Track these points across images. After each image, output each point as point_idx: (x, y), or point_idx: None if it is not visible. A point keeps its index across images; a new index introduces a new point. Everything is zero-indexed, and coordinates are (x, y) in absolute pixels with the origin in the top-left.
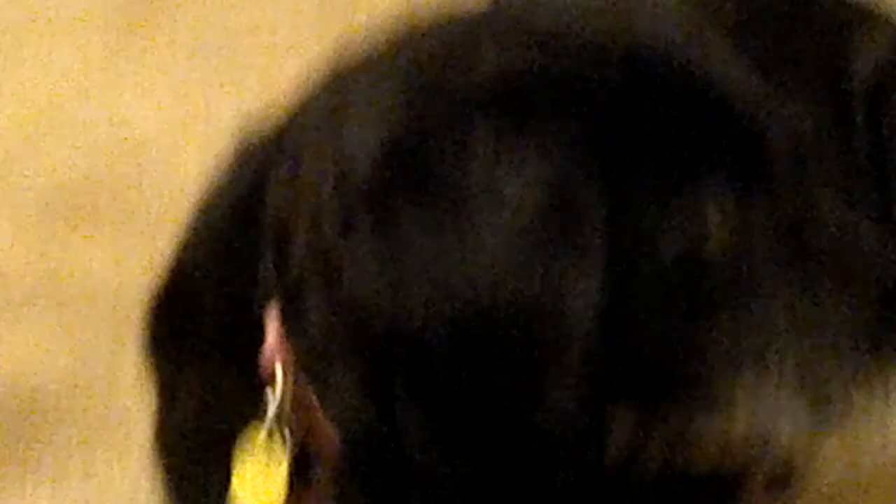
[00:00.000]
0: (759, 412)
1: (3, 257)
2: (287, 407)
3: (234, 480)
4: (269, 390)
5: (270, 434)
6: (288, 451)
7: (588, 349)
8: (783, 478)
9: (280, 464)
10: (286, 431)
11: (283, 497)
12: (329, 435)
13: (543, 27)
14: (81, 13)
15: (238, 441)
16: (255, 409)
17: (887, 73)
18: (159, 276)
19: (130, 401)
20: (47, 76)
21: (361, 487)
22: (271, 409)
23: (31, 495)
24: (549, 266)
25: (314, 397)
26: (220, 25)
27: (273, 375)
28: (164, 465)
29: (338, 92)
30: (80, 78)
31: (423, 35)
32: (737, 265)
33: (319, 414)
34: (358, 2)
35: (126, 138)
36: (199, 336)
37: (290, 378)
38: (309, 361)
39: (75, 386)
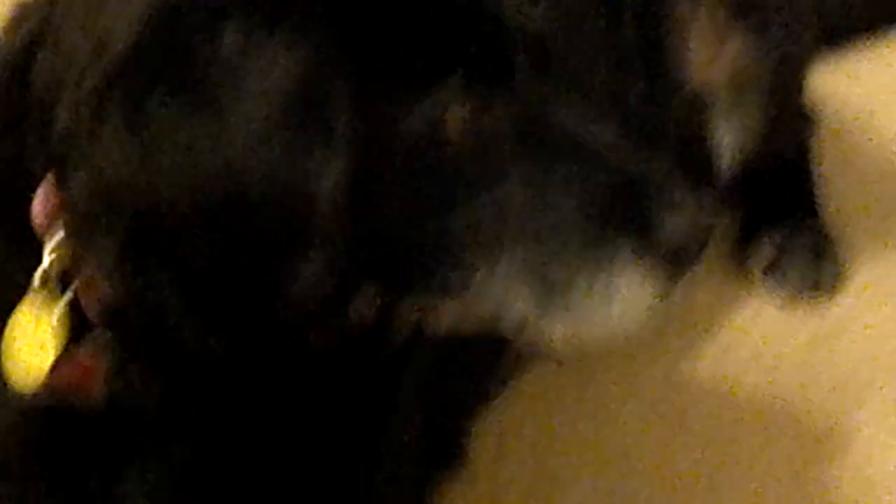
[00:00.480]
0: (491, 298)
1: None
2: (57, 266)
3: (5, 341)
4: (45, 246)
5: (40, 293)
6: (59, 309)
7: (335, 226)
8: None
9: (52, 326)
10: (56, 290)
11: (50, 355)
12: (103, 297)
13: None
14: None
15: (17, 306)
16: (19, 279)
17: None
18: None
19: None
20: None
21: (129, 353)
22: (44, 263)
23: None
24: (296, 150)
25: (87, 258)
26: None
27: (45, 234)
28: None
29: None
30: None
31: None
32: (473, 152)
33: (93, 274)
34: None
35: None
36: None
37: (63, 239)
38: (77, 226)
39: None
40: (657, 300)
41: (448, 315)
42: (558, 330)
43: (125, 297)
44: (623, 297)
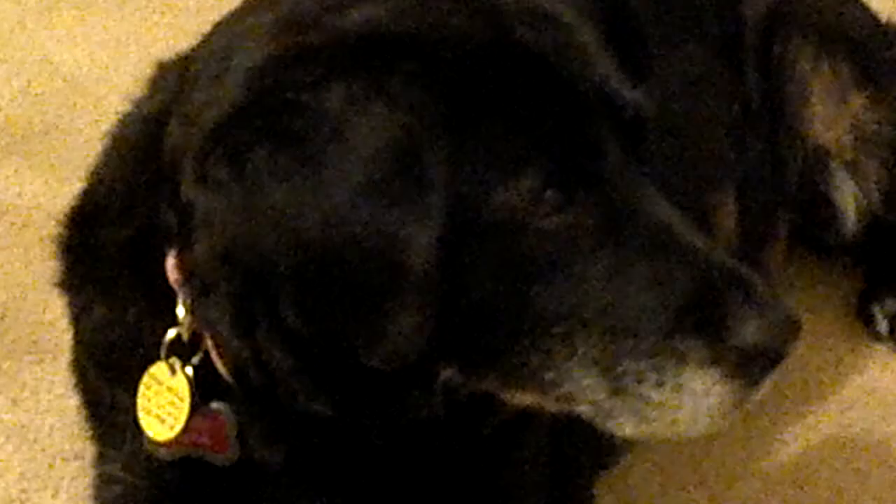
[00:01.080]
0: (568, 383)
1: None
2: (187, 332)
3: (140, 404)
4: (178, 315)
5: (170, 361)
6: (187, 376)
7: (426, 287)
8: None
9: (181, 388)
10: (185, 359)
11: (183, 420)
12: (224, 366)
13: None
14: None
15: (147, 371)
16: (155, 337)
17: (772, 19)
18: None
19: (59, 327)
20: None
21: (256, 411)
22: (170, 334)
23: None
24: (392, 209)
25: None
26: None
27: (179, 291)
28: (80, 388)
29: (230, 35)
30: (14, 20)
31: None
32: (557, 237)
33: (215, 342)
34: None
35: (58, 79)
36: (103, 265)
37: (194, 306)
38: (198, 287)
39: (4, 312)
40: (730, 406)
41: (527, 396)
42: (628, 422)
43: (245, 358)
44: (693, 400)
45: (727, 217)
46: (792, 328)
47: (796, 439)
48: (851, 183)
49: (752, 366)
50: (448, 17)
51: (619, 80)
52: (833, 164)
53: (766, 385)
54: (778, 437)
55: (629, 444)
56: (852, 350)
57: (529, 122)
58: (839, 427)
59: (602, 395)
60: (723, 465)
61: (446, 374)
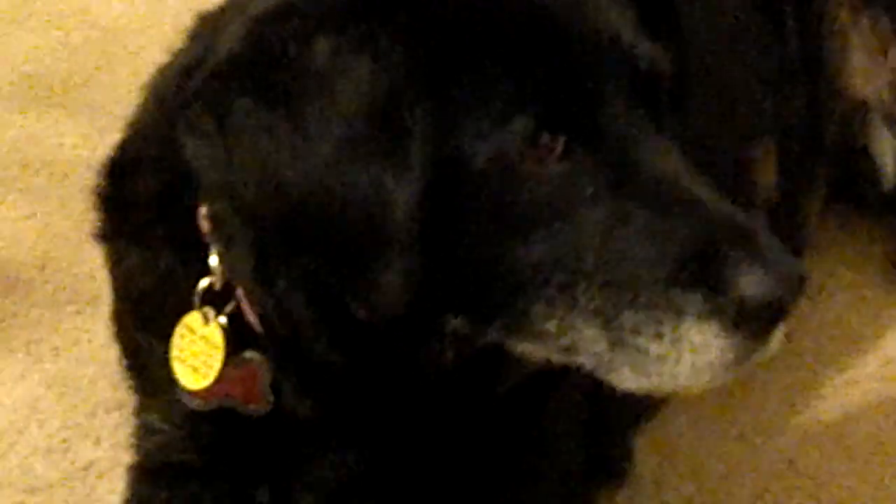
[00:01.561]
0: (569, 334)
1: None
2: (220, 282)
3: (173, 355)
4: (210, 265)
5: (204, 311)
6: (221, 326)
7: (411, 239)
8: None
9: (215, 338)
10: (219, 309)
11: (216, 369)
12: (255, 313)
13: None
14: None
15: (181, 320)
16: (190, 287)
17: None
18: (108, 154)
19: (99, 278)
20: None
21: (284, 364)
22: (202, 283)
23: (1, 372)
24: (372, 169)
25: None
26: None
27: (211, 242)
28: (119, 337)
29: None
30: None
31: None
32: (551, 187)
33: (245, 292)
34: None
35: (96, 30)
36: (138, 215)
37: (222, 256)
38: (221, 237)
39: (45, 263)
40: (733, 360)
41: (531, 347)
42: (629, 375)
43: (269, 307)
44: (692, 353)
45: (767, 170)
46: (796, 281)
47: (836, 393)
48: (891, 136)
49: (754, 319)
50: None
51: (632, 32)
52: (872, 118)
53: (776, 340)
54: (817, 391)
55: (666, 398)
56: (892, 303)
57: (524, 68)
58: (879, 381)
59: (602, 347)
60: (761, 418)
61: (453, 323)
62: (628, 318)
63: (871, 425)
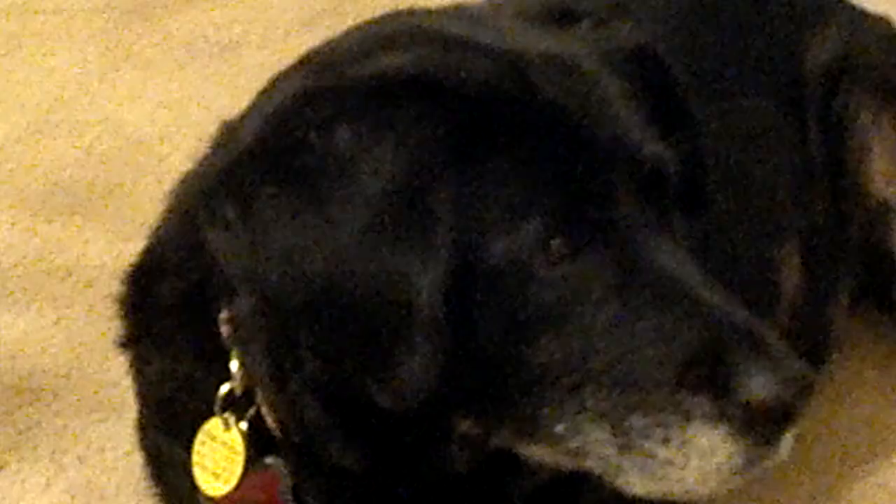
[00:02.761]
0: (576, 438)
1: (4, 247)
2: (241, 387)
3: (195, 461)
4: (231, 369)
5: (225, 417)
6: (242, 431)
7: (433, 327)
8: None
9: (236, 444)
10: (240, 414)
11: (237, 476)
12: (275, 418)
13: (434, 36)
14: (79, 21)
15: (202, 427)
16: (211, 392)
17: (835, 72)
18: (132, 262)
19: (124, 385)
20: (47, 79)
21: (304, 468)
22: (223, 388)
23: (26, 481)
24: (396, 254)
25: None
26: (208, 38)
27: (231, 346)
28: (142, 445)
29: (264, 91)
30: (77, 82)
31: (355, 31)
32: (564, 286)
33: (265, 396)
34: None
35: (121, 139)
36: (161, 321)
37: (242, 360)
38: (239, 337)
39: (70, 371)
40: (741, 464)
41: (541, 450)
42: (637, 479)
43: (284, 412)
44: (700, 458)
45: (792, 272)
46: (802, 384)
47: (863, 497)
48: None
49: (761, 423)
50: (468, 63)
51: (640, 132)
52: (893, 218)
53: (786, 445)
54: (845, 495)
55: None
56: None
57: (538, 168)
58: None
59: (611, 451)
60: None
61: (463, 426)
62: (636, 421)
63: None
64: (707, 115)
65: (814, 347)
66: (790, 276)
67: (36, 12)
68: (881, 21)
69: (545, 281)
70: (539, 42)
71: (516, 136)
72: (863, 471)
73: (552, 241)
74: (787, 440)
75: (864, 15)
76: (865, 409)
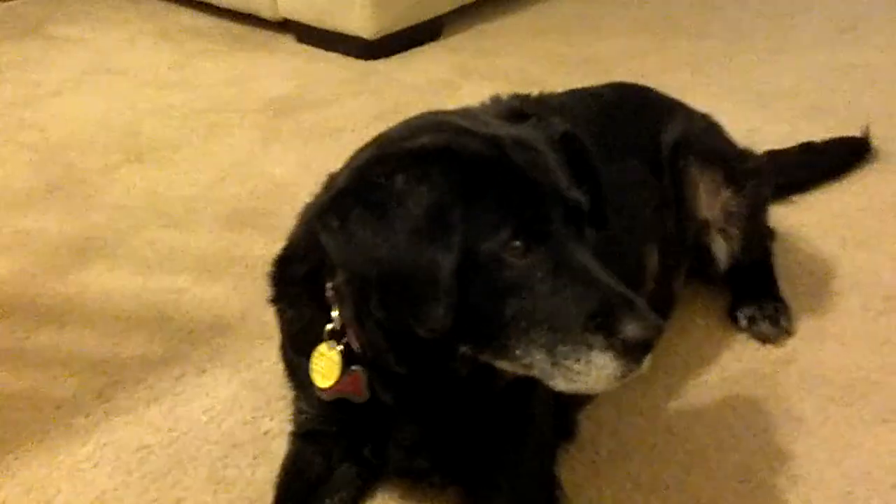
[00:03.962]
0: (527, 357)
1: (206, 245)
2: (338, 326)
3: (312, 368)
4: (333, 316)
5: (330, 343)
6: (339, 351)
7: (450, 291)
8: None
9: (335, 358)
10: (338, 341)
11: (336, 375)
12: (358, 343)
13: (451, 126)
14: (249, 116)
15: (316, 348)
16: (322, 329)
17: (678, 146)
18: (276, 254)
19: (272, 325)
20: (231, 149)
21: (374, 372)
22: (328, 327)
23: (217, 378)
24: (429, 250)
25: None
26: (322, 126)
27: (333, 304)
28: (285, 361)
29: (353, 156)
30: (247, 151)
31: (404, 123)
32: (522, 270)
33: (352, 331)
34: (398, 115)
35: (272, 184)
36: (293, 288)
37: (339, 311)
38: (339, 299)
39: (243, 316)
40: (620, 375)
41: (508, 364)
42: (561, 381)
43: (363, 341)
44: (597, 370)
45: (652, 260)
46: (657, 329)
47: (696, 389)
48: (722, 241)
49: (632, 351)
50: (468, 141)
51: (567, 185)
52: (712, 231)
53: (646, 363)
54: (683, 388)
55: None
56: (729, 338)
57: (509, 202)
58: (719, 384)
59: (546, 365)
60: (650, 402)
61: (463, 349)
62: (561, 348)
63: (712, 407)
64: (607, 171)
65: (664, 306)
66: (651, 263)
67: (222, 112)
68: (705, 116)
69: (511, 267)
70: (508, 130)
71: (497, 183)
72: (693, 375)
73: (515, 243)
74: (647, 361)
75: (693, 112)
76: (694, 340)
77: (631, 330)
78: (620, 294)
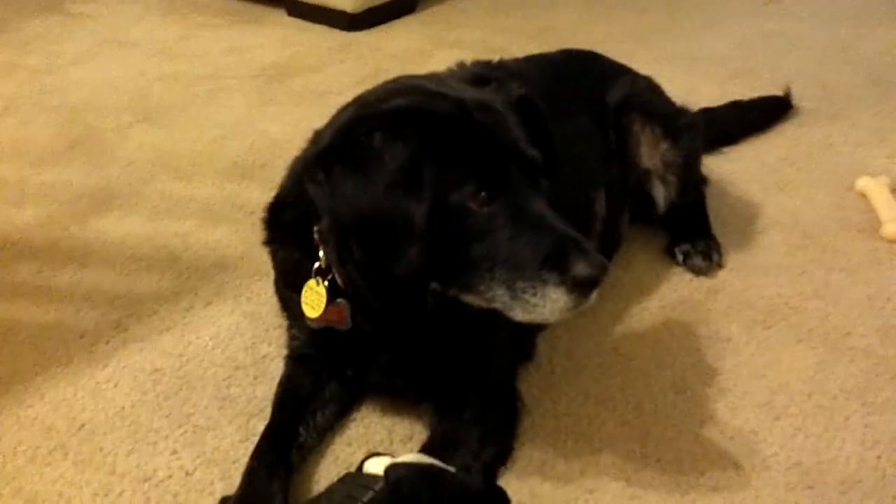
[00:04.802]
0: (490, 292)
1: (209, 195)
2: (324, 265)
3: (302, 300)
4: (319, 255)
5: (317, 279)
6: (325, 286)
7: (422, 236)
8: None
9: (322, 292)
10: (324, 278)
11: (323, 307)
12: (341, 282)
13: (422, 90)
14: (246, 81)
15: (306, 283)
16: (310, 267)
17: (622, 104)
18: (269, 201)
19: (267, 263)
20: (230, 110)
21: (355, 304)
22: (316, 265)
23: (221, 310)
24: (405, 198)
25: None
26: (311, 90)
27: (319, 246)
28: (279, 295)
29: (335, 115)
30: (244, 113)
31: (381, 86)
32: (485, 218)
33: (336, 268)
34: (376, 79)
35: (267, 141)
36: (284, 232)
37: (325, 252)
38: (324, 244)
39: (243, 255)
40: (571, 307)
41: (473, 298)
42: (519, 313)
43: (345, 278)
44: (551, 303)
45: (601, 204)
46: (602, 268)
47: (639, 315)
48: (661, 187)
49: (580, 286)
50: (438, 104)
51: (525, 142)
52: (653, 178)
53: (594, 297)
54: (627, 314)
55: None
56: (667, 270)
57: (475, 158)
58: (658, 309)
59: (507, 299)
60: (599, 326)
61: (433, 285)
62: (520, 284)
63: (652, 330)
64: (559, 127)
65: (611, 244)
66: (600, 207)
67: (222, 78)
68: (646, 78)
69: (477, 214)
70: (472, 93)
71: (464, 141)
72: (636, 302)
73: (481, 194)
74: (594, 295)
75: (637, 75)
76: (637, 272)
77: (580, 269)
78: (572, 238)
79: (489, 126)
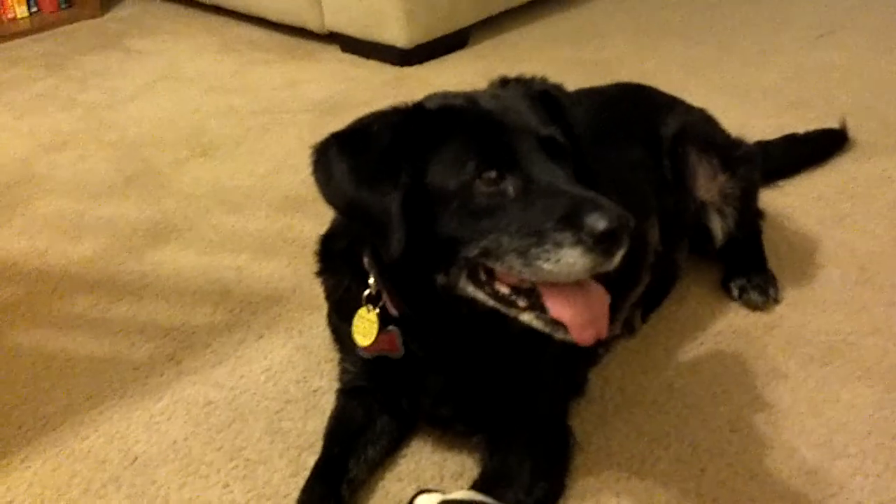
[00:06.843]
0: (503, 262)
1: (264, 227)
2: (374, 291)
3: (354, 329)
4: (369, 282)
5: (367, 306)
6: (376, 313)
7: (400, 223)
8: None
9: (373, 319)
10: (374, 305)
11: (374, 335)
12: (391, 309)
13: (444, 94)
14: (298, 116)
15: (357, 312)
16: (361, 295)
17: (678, 135)
18: (321, 233)
19: (320, 295)
20: (283, 145)
21: (407, 332)
22: (366, 292)
23: (273, 342)
24: (383, 185)
25: (385, 290)
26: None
27: (368, 276)
28: (332, 327)
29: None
30: (296, 147)
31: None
32: (491, 197)
33: (387, 297)
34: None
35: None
36: (335, 261)
37: (376, 281)
38: (373, 270)
39: (295, 288)
40: (590, 268)
41: (492, 263)
42: (534, 275)
43: (397, 305)
44: (567, 265)
45: (654, 233)
46: (621, 218)
47: (693, 349)
48: (718, 219)
49: (601, 243)
50: (446, 99)
51: (537, 122)
52: (710, 210)
53: (617, 258)
54: (683, 348)
55: (605, 353)
56: (723, 306)
57: (474, 141)
58: (714, 342)
59: (520, 266)
60: (652, 361)
61: (440, 279)
62: (533, 252)
63: (707, 366)
64: (610, 157)
65: (668, 277)
66: (653, 235)
67: (276, 112)
68: (700, 109)
69: (484, 193)
70: (490, 91)
71: (463, 127)
72: (692, 337)
73: (489, 173)
74: (618, 256)
75: (691, 107)
76: (693, 307)
77: (594, 220)
78: (587, 197)
79: (495, 111)
